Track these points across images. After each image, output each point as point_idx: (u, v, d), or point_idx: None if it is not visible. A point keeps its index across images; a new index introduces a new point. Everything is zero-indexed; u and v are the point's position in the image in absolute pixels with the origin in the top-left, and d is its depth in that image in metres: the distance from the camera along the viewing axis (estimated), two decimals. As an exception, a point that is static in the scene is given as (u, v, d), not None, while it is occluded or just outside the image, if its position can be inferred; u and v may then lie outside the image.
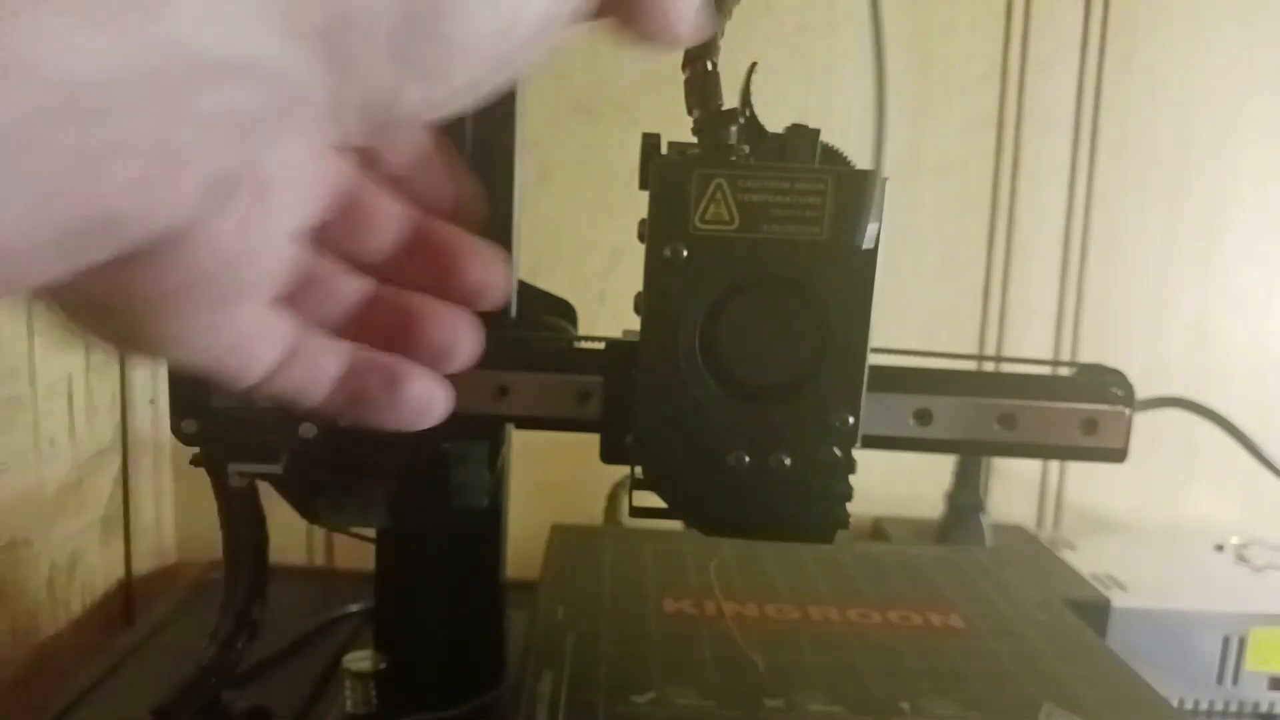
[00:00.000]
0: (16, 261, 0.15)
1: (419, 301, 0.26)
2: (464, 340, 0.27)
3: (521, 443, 0.49)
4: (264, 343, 0.23)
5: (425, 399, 0.26)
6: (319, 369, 0.25)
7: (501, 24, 0.19)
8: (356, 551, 0.49)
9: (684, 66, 0.31)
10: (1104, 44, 0.74)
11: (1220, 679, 0.57)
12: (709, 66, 0.31)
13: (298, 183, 0.19)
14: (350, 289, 0.26)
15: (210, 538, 0.45)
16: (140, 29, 0.15)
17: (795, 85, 0.73)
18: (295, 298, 0.24)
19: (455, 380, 0.37)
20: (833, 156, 0.34)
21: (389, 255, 0.26)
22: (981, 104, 0.74)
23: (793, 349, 0.32)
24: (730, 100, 0.32)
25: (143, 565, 0.72)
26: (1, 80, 0.14)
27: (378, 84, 0.18)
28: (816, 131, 0.33)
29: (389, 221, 0.26)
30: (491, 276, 0.27)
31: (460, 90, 0.20)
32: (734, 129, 0.31)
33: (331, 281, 0.25)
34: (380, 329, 0.26)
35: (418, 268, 0.26)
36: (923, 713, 0.40)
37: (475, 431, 0.41)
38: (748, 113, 0.33)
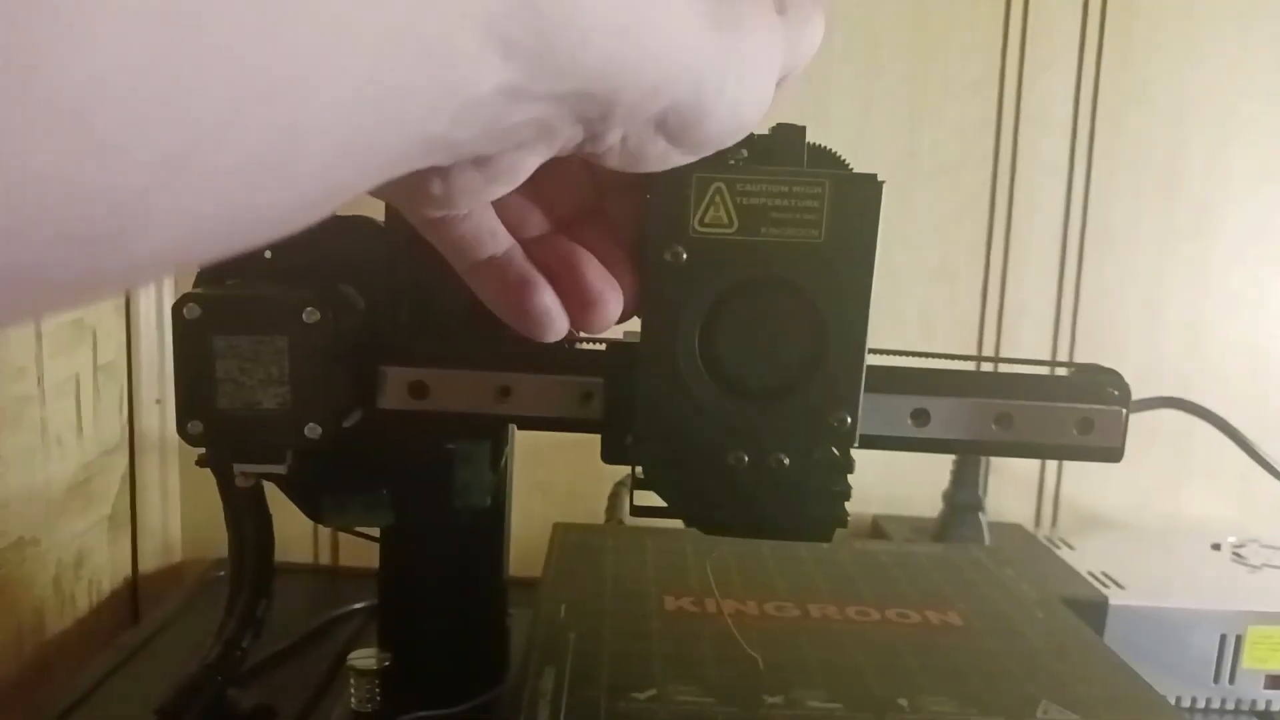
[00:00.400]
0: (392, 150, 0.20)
1: (584, 255, 0.30)
2: (612, 298, 0.30)
3: (523, 443, 0.49)
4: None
5: (549, 313, 0.29)
6: (489, 234, 0.29)
7: (734, 125, 0.26)
8: (361, 550, 0.49)
9: None
10: (1101, 47, 0.74)
11: (1217, 677, 0.58)
12: None
13: (524, 174, 0.25)
14: (534, 220, 0.30)
15: (216, 536, 0.45)
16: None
17: (792, 87, 0.73)
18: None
19: (457, 383, 0.37)
20: (821, 155, 0.34)
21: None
22: (979, 106, 0.75)
23: (791, 350, 0.33)
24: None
25: (149, 563, 0.72)
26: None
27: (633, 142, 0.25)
28: (802, 129, 0.33)
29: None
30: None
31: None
32: None
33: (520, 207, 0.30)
34: (544, 264, 0.30)
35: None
36: (921, 709, 0.40)
37: (478, 432, 0.41)
38: None
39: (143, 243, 0.15)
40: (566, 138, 0.24)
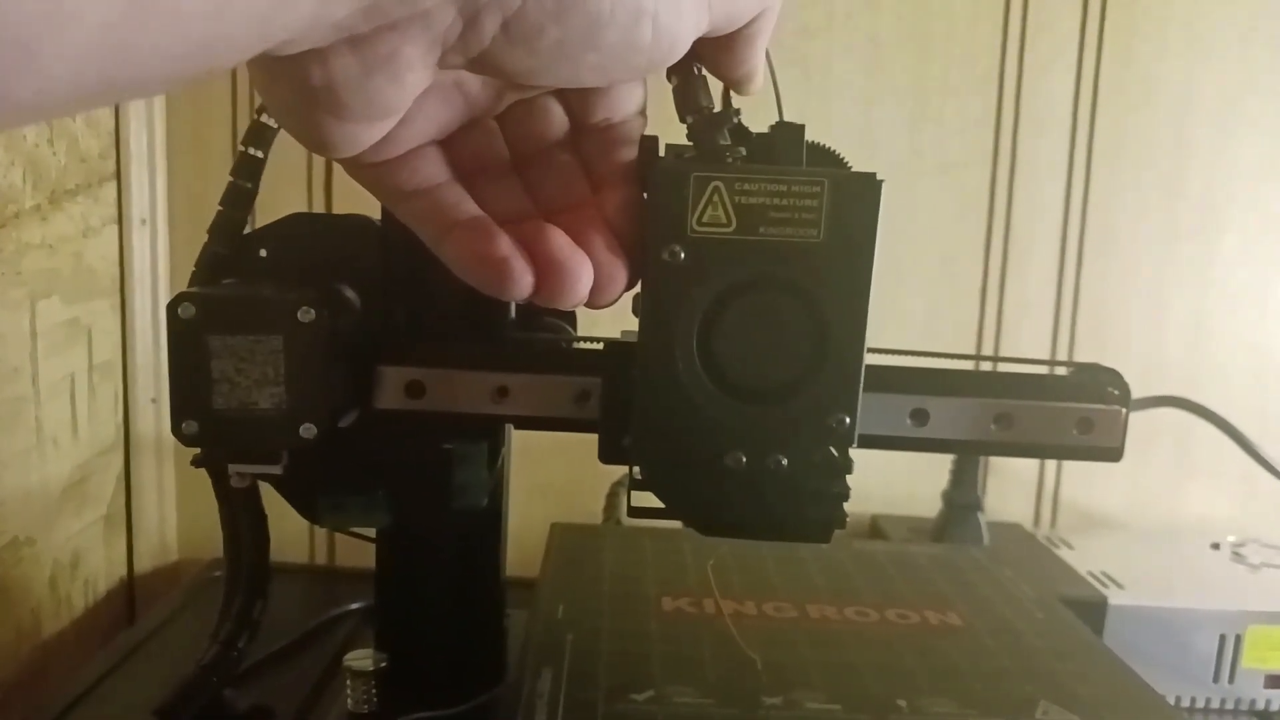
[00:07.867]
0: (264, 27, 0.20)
1: (552, 228, 0.29)
2: (579, 268, 0.29)
3: (521, 443, 0.49)
4: (401, 143, 0.29)
5: (507, 261, 0.28)
6: (455, 203, 0.29)
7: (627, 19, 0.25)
8: (357, 550, 0.49)
9: (669, 75, 0.31)
10: (1101, 44, 0.74)
11: (1216, 677, 0.58)
12: (695, 71, 0.31)
13: (416, 65, 0.25)
14: (521, 207, 0.30)
15: (212, 536, 0.45)
16: None
17: (793, 86, 0.73)
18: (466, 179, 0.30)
19: (454, 383, 0.37)
20: (821, 153, 0.34)
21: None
22: (980, 104, 0.75)
23: (790, 350, 0.32)
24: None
25: (145, 564, 0.72)
26: None
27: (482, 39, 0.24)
28: (801, 128, 0.33)
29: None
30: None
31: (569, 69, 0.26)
32: (725, 130, 0.32)
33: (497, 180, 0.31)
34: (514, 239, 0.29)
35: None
36: (920, 710, 0.40)
37: (475, 432, 0.41)
38: (738, 115, 0.33)
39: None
40: (444, 25, 0.23)
